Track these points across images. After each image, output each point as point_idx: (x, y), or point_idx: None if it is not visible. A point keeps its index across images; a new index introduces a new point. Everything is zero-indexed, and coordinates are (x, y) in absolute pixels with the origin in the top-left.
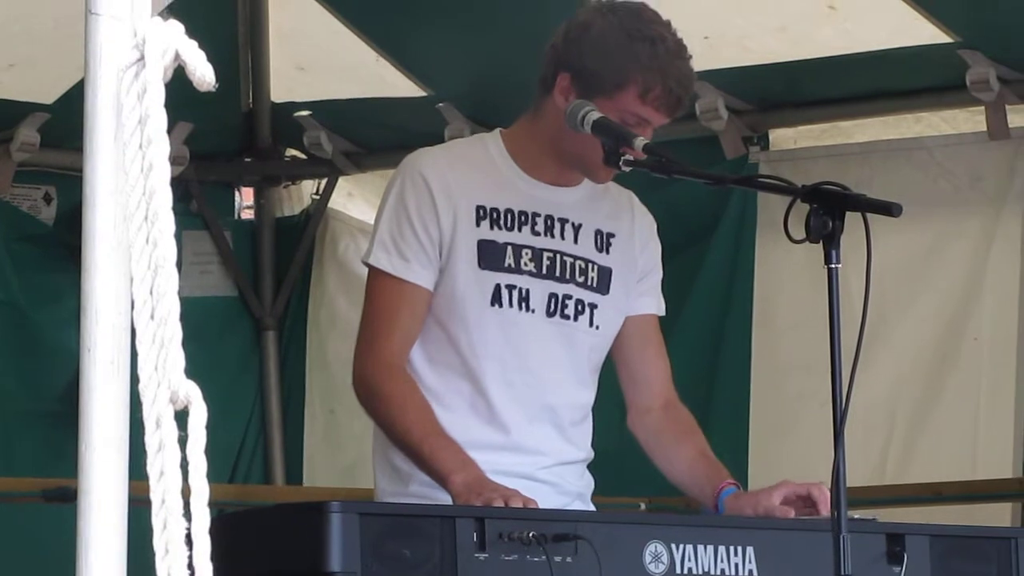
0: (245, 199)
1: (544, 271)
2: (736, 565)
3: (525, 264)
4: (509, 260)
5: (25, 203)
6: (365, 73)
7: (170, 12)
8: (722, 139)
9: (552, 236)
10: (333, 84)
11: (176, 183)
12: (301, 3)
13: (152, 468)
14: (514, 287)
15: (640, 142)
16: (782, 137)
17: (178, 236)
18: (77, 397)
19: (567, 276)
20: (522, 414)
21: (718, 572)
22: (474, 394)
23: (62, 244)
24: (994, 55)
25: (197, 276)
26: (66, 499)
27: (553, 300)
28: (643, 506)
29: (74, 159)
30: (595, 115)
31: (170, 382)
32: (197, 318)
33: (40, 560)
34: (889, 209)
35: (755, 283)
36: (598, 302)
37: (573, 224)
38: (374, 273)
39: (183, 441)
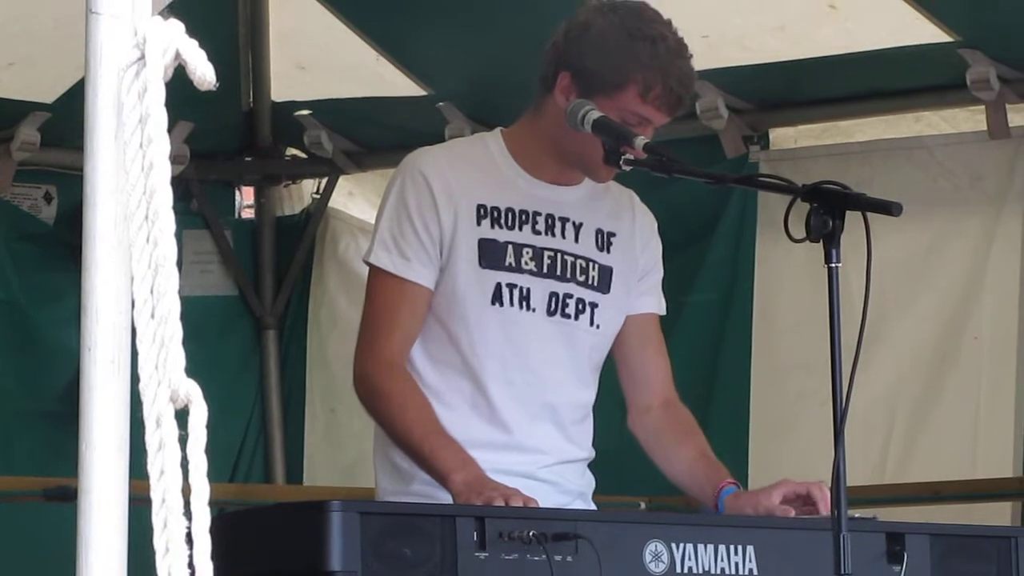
0: (245, 198)
1: (545, 270)
2: (736, 564)
3: (526, 263)
4: (510, 259)
5: (25, 202)
6: (365, 72)
7: (170, 11)
8: (722, 138)
9: (553, 235)
10: (333, 83)
11: (176, 182)
12: (301, 2)
13: (152, 467)
14: (515, 286)
15: (640, 141)
16: (782, 136)
17: (178, 235)
18: (77, 396)
19: (568, 275)
20: (523, 413)
21: (718, 571)
22: (475, 393)
23: (62, 243)
24: (994, 54)
25: (197, 275)
26: (66, 498)
27: (554, 299)
28: (643, 505)
29: (74, 158)
30: (595, 114)
31: (170, 381)
32: (197, 317)
33: (40, 559)
34: (889, 208)
35: (755, 282)
36: (599, 301)
37: (574, 223)
38: (375, 272)
39: (183, 440)
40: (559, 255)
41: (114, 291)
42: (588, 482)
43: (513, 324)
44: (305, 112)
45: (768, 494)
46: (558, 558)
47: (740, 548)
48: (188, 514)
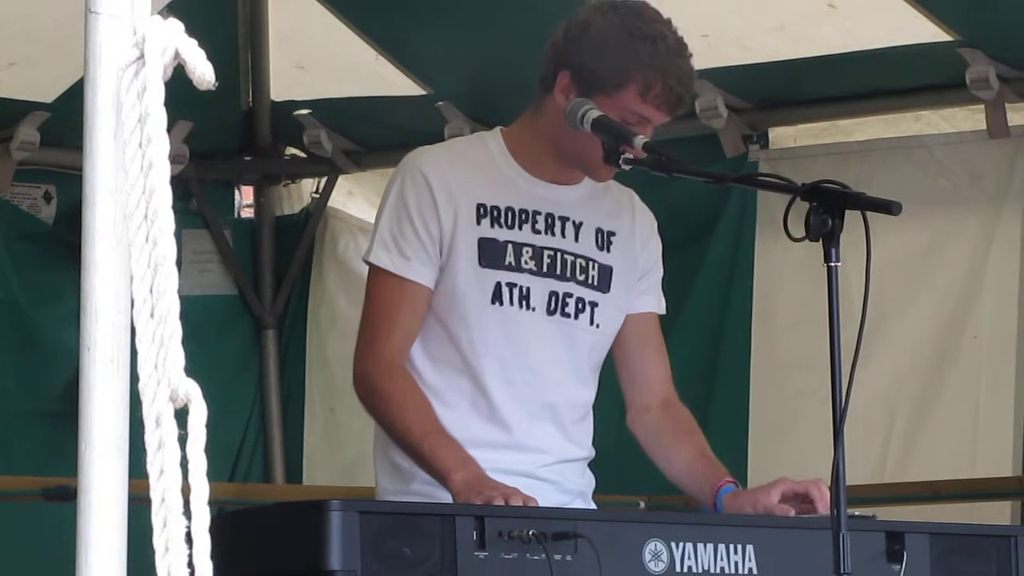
0: (245, 198)
1: (545, 269)
2: (736, 563)
3: (526, 262)
4: (510, 258)
5: (25, 202)
6: (365, 72)
7: (170, 10)
8: (722, 137)
9: (553, 234)
10: (333, 83)
11: (176, 181)
12: (301, 2)
13: (152, 466)
14: (515, 285)
15: (640, 140)
16: (782, 135)
17: (178, 234)
18: (77, 396)
19: (568, 274)
20: (523, 412)
21: (718, 570)
22: (475, 392)
23: (62, 243)
24: (994, 53)
25: (197, 275)
26: (66, 498)
27: (553, 298)
28: (642, 504)
29: (74, 158)
30: (595, 113)
31: (170, 380)
32: (197, 317)
33: (40, 559)
34: (889, 207)
35: (755, 281)
36: (599, 300)
37: (574, 222)
38: (374, 271)
39: (183, 439)
40: (559, 254)
41: (113, 290)
42: (588, 481)
43: (513, 323)
44: (304, 112)
45: (767, 492)
46: (558, 557)
47: (740, 547)
48: (188, 513)
